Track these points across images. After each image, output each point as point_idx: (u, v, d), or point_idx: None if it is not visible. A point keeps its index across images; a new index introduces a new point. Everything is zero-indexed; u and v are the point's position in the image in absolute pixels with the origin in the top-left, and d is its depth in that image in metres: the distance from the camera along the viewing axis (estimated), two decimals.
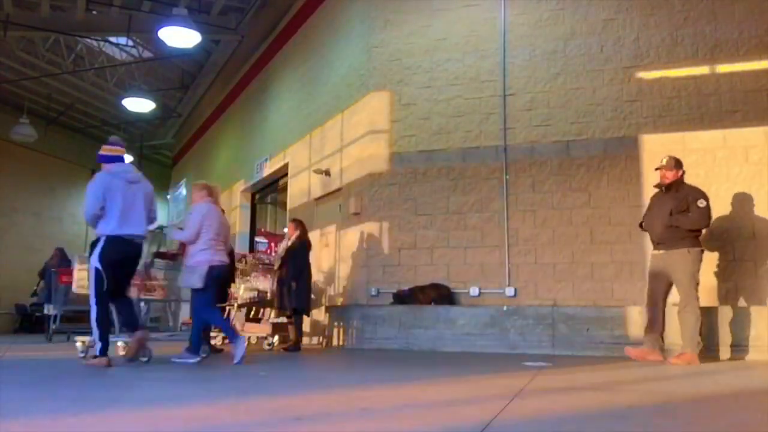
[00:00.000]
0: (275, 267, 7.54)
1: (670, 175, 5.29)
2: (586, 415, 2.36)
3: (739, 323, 5.65)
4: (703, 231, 5.35)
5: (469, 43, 7.55)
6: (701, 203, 5.13)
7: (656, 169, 5.46)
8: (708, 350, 5.69)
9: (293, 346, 6.76)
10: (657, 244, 5.35)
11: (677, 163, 5.32)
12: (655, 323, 5.24)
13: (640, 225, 5.61)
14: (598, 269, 6.58)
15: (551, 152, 7.00)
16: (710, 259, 6.15)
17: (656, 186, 5.49)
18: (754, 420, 2.39)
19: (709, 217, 5.20)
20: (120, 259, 4.64)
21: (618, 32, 6.95)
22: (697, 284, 5.15)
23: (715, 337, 5.69)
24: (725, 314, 5.74)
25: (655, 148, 6.57)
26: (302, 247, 7.11)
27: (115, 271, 4.59)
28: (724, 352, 5.62)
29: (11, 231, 16.65)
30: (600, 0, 7.07)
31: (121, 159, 4.90)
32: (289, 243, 7.16)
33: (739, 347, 5.58)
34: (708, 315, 5.77)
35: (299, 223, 7.29)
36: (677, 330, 5.24)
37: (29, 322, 16.21)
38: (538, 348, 6.33)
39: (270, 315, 7.86)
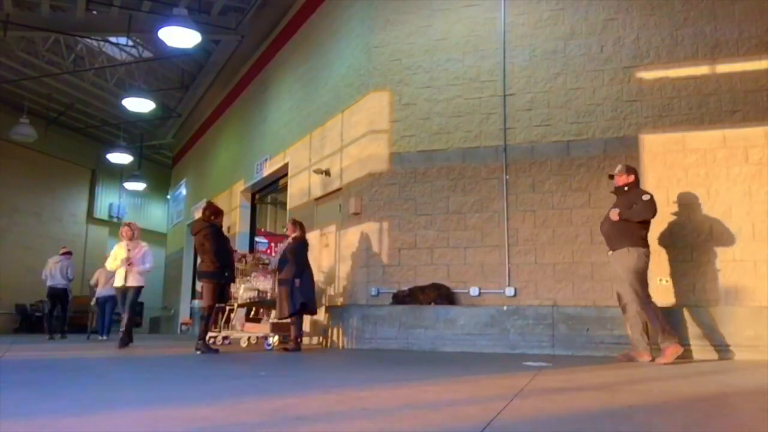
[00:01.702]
0: (274, 268, 7.53)
1: (621, 180, 5.57)
2: (586, 415, 2.36)
3: (739, 323, 5.65)
4: (648, 233, 5.43)
5: (469, 43, 7.55)
6: (645, 197, 5.36)
7: (609, 176, 5.77)
8: (708, 350, 5.70)
9: (294, 346, 6.75)
10: (607, 245, 5.55)
11: (629, 169, 5.62)
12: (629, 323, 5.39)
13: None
14: (598, 269, 6.57)
15: (551, 152, 7.00)
16: (710, 259, 6.16)
17: (612, 192, 5.72)
18: (754, 420, 2.39)
19: (654, 208, 5.33)
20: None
21: (618, 32, 6.95)
22: (645, 282, 5.25)
23: (715, 337, 5.70)
24: (725, 314, 5.74)
25: (655, 148, 6.58)
26: (302, 247, 7.11)
27: None
28: (724, 352, 5.62)
29: (11, 231, 16.66)
30: (600, 0, 7.07)
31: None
32: (287, 244, 7.17)
33: (738, 347, 5.58)
34: (708, 315, 5.79)
35: (298, 224, 7.31)
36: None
37: (29, 322, 16.21)
38: (538, 348, 6.33)
39: (271, 315, 7.85)
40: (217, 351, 6.63)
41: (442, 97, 7.54)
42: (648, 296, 5.24)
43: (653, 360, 5.15)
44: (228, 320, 8.16)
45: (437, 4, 7.78)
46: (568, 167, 6.91)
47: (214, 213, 6.80)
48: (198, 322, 7.30)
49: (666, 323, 5.12)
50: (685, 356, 5.39)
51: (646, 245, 5.35)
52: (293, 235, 7.16)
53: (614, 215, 5.35)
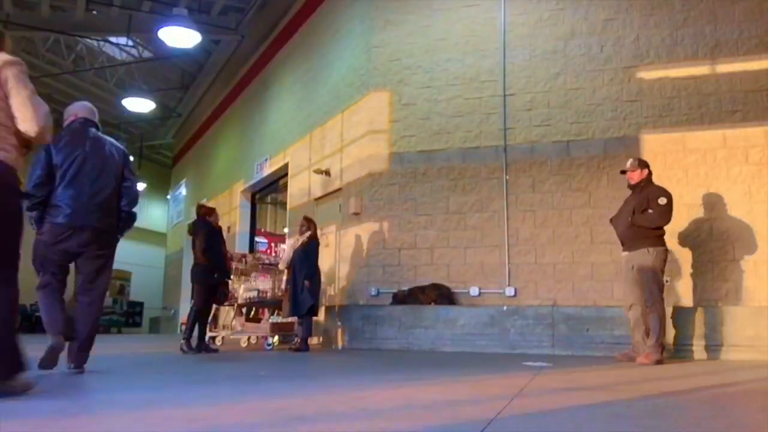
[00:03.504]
0: (281, 267, 7.50)
1: (636, 176, 5.38)
2: (586, 415, 2.36)
3: (739, 323, 5.66)
4: (665, 228, 5.30)
5: (469, 43, 7.55)
6: (662, 200, 5.15)
7: (621, 172, 5.54)
8: (708, 350, 5.70)
9: (302, 347, 6.72)
10: (622, 245, 5.38)
11: (642, 164, 5.42)
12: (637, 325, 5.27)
13: (611, 220, 5.60)
14: (598, 269, 6.58)
15: (551, 152, 7.00)
16: (710, 259, 6.17)
17: (628, 187, 5.51)
18: (754, 420, 2.39)
19: (669, 214, 5.17)
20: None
21: (618, 32, 6.95)
22: (661, 284, 5.17)
23: (715, 337, 5.70)
24: (725, 314, 5.74)
25: (655, 148, 6.58)
26: (315, 245, 7.08)
27: None
28: (724, 351, 5.62)
29: None
30: (600, 0, 7.07)
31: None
32: (301, 242, 7.10)
33: (738, 347, 5.58)
34: (708, 315, 5.79)
35: (310, 222, 7.27)
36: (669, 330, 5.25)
37: (29, 322, 16.22)
38: (538, 348, 6.33)
39: (274, 314, 7.85)
40: (217, 350, 6.63)
41: (442, 97, 7.54)
42: (662, 299, 5.15)
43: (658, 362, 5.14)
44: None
45: (437, 4, 7.78)
46: (568, 167, 6.91)
47: (207, 212, 6.88)
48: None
49: (663, 336, 5.10)
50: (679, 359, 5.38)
51: (663, 243, 5.23)
52: (307, 233, 7.10)
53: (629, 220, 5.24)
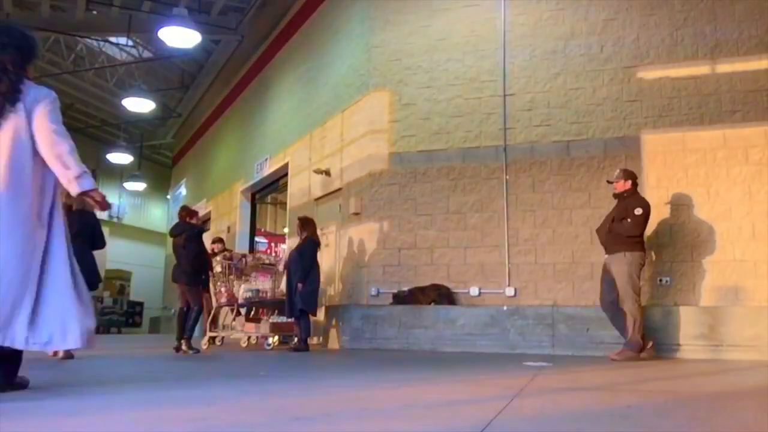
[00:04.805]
0: (281, 268, 7.54)
1: (619, 186, 5.70)
2: (586, 415, 2.36)
3: (739, 323, 5.66)
4: (643, 235, 5.64)
5: (469, 43, 7.55)
6: (637, 211, 5.49)
7: (608, 181, 5.92)
8: (708, 350, 5.70)
9: (299, 347, 6.72)
10: (604, 250, 5.71)
11: (626, 175, 5.71)
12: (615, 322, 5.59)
13: (597, 231, 5.93)
14: (598, 269, 6.54)
15: (551, 152, 7.00)
16: (710, 259, 6.17)
17: (613, 197, 5.83)
18: (754, 420, 2.38)
19: (642, 224, 5.49)
20: None
21: (618, 32, 6.95)
22: (636, 286, 5.43)
23: (715, 337, 5.70)
24: (725, 314, 5.75)
25: (655, 148, 6.57)
26: (311, 245, 7.08)
27: None
28: (724, 351, 5.62)
29: None
30: (600, 0, 7.07)
31: None
32: (297, 243, 7.12)
33: (738, 347, 5.58)
34: (708, 315, 5.80)
35: (307, 221, 7.28)
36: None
37: None
38: (538, 348, 6.33)
39: (274, 314, 7.85)
40: (197, 351, 6.65)
41: (442, 97, 7.54)
42: (636, 300, 5.44)
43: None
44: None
45: (437, 4, 7.77)
46: (568, 167, 6.91)
47: (189, 214, 7.07)
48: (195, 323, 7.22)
49: (637, 335, 5.33)
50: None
51: (641, 248, 5.52)
52: (303, 234, 7.10)
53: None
